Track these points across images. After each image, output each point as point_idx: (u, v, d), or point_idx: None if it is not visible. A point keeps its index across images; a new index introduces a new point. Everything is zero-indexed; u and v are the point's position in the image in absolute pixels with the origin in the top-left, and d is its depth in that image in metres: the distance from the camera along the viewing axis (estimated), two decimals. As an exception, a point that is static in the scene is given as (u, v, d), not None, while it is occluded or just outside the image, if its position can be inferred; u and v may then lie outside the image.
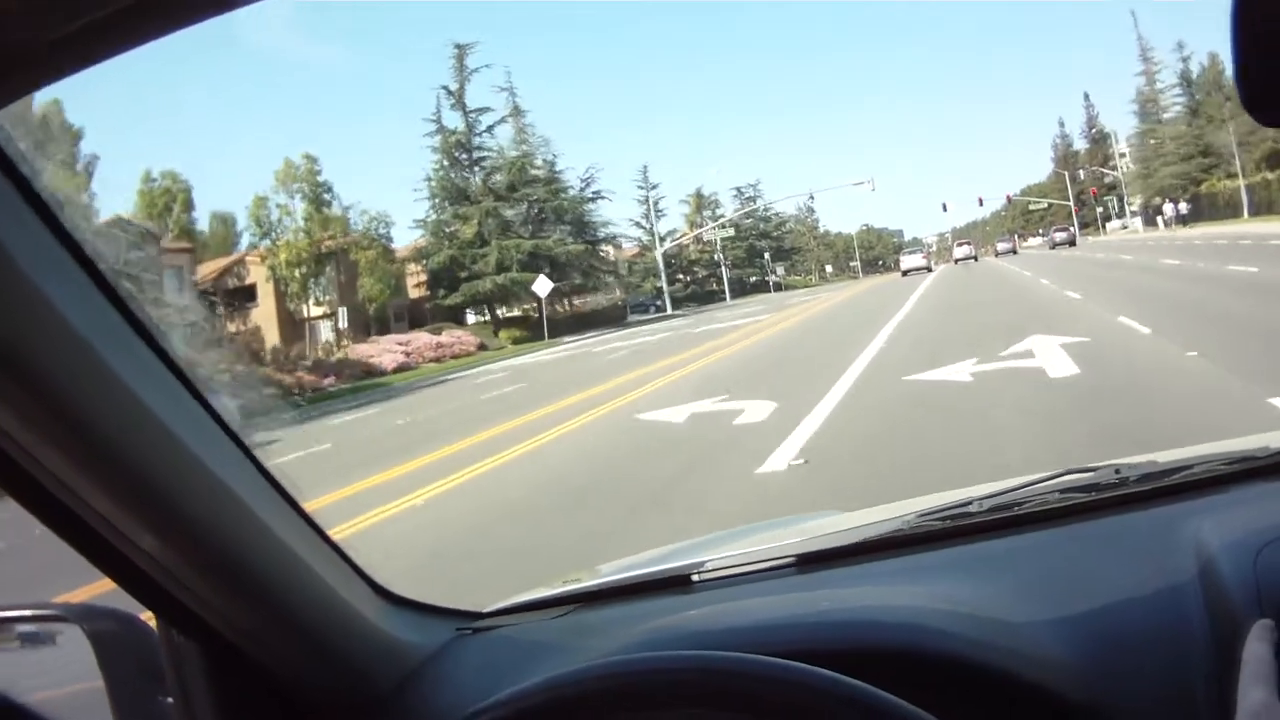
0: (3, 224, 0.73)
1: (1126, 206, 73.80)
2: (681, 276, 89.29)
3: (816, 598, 1.21)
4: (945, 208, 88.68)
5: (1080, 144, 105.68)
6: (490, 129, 50.89)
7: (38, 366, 0.76)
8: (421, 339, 37.42)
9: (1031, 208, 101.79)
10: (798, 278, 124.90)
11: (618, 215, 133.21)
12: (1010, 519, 1.30)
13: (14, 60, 0.69)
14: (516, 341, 40.64)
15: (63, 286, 0.78)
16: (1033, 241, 75.92)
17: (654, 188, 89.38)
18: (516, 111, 51.90)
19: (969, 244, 70.84)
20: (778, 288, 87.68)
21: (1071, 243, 60.31)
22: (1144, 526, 1.21)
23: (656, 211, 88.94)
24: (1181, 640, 0.94)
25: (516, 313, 47.96)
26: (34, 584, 4.21)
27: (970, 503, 1.32)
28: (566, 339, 39.96)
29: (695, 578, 1.36)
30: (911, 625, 1.05)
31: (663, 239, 69.24)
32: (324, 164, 43.68)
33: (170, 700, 1.03)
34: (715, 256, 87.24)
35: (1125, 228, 75.17)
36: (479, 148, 50.20)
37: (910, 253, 68.75)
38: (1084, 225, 78.20)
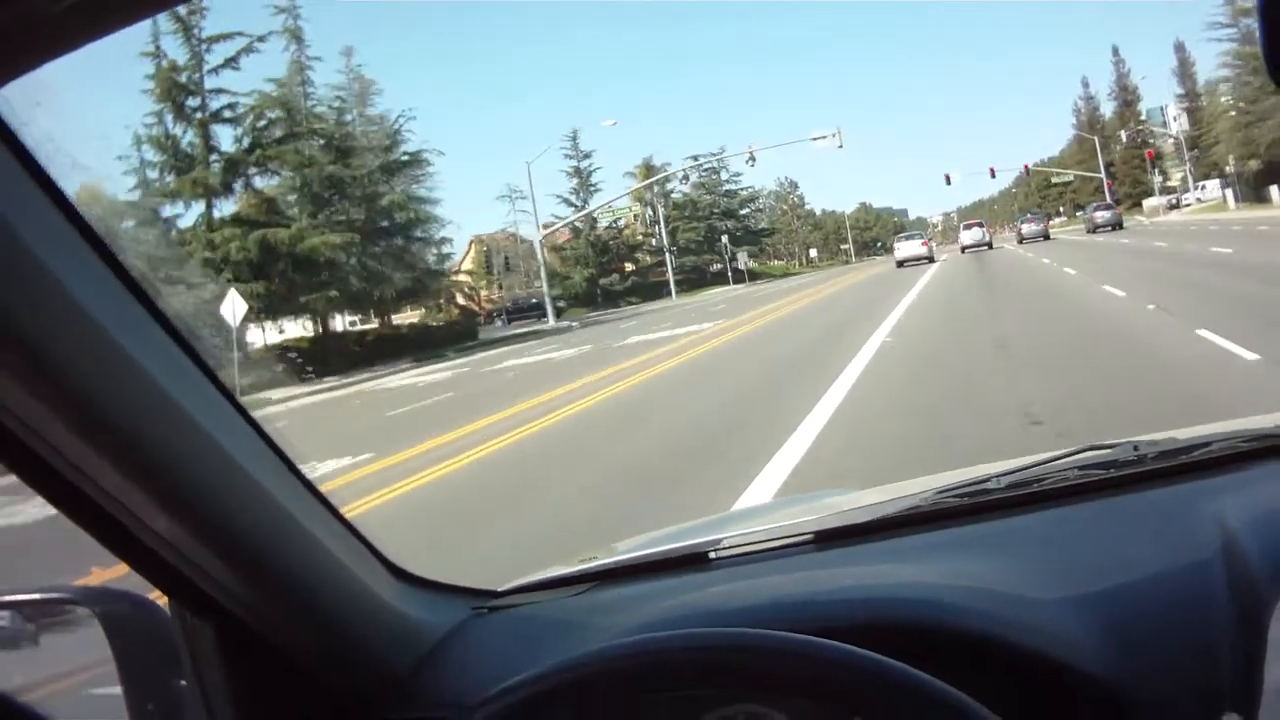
0: (10, 202, 0.77)
1: (1190, 175, 50.38)
2: (626, 265, 64.61)
3: (835, 575, 1.26)
4: (949, 180, 67.68)
5: (1108, 107, 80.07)
6: (233, 60, 33.85)
7: (47, 346, 0.80)
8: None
9: (1055, 180, 77.60)
10: (777, 263, 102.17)
11: (540, 191, 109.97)
12: (1029, 496, 1.34)
13: (18, 32, 0.72)
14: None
15: (74, 268, 0.82)
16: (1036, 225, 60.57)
17: (586, 156, 64.83)
18: (296, 38, 28.09)
19: (980, 225, 54.60)
20: (742, 277, 78.13)
21: (1117, 224, 46.87)
22: (1164, 503, 1.25)
23: (590, 187, 64.87)
24: (1205, 616, 0.98)
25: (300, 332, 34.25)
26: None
27: (989, 479, 1.37)
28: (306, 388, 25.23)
29: (713, 555, 1.41)
30: (931, 602, 1.10)
31: (592, 213, 47.90)
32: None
33: (184, 683, 1.09)
34: (655, 241, 63.66)
35: (1176, 205, 51.84)
36: (220, 90, 33.98)
37: (907, 237, 53.24)
38: (1115, 202, 66.19)
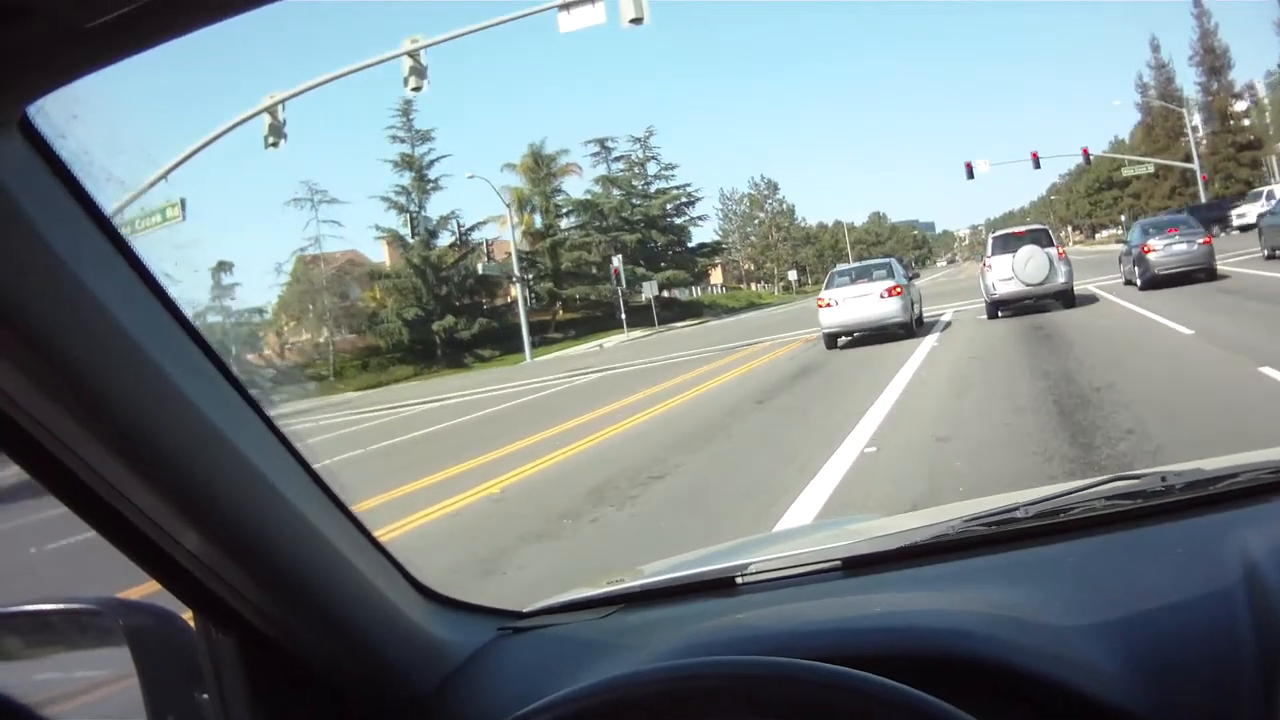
0: (46, 216, 0.83)
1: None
2: (478, 299, 26.71)
3: (862, 602, 1.33)
4: (971, 172, 35.01)
5: (1186, 77, 47.26)
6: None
7: (83, 362, 0.87)
8: None
9: (1126, 173, 39.48)
10: (750, 289, 69.30)
11: (358, 192, 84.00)
12: (1056, 525, 1.40)
13: (49, 48, 0.74)
14: None
15: (107, 282, 0.89)
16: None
17: (424, 139, 29.49)
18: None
19: (1037, 240, 19.48)
20: (649, 318, 50.70)
21: None
22: (1189, 534, 1.34)
23: (428, 184, 25.35)
24: (1227, 649, 1.05)
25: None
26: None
27: (1017, 508, 1.44)
28: None
29: (739, 580, 1.46)
30: (958, 631, 1.16)
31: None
32: None
33: (206, 697, 1.17)
34: (541, 262, 28.23)
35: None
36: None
37: (854, 276, 20.38)
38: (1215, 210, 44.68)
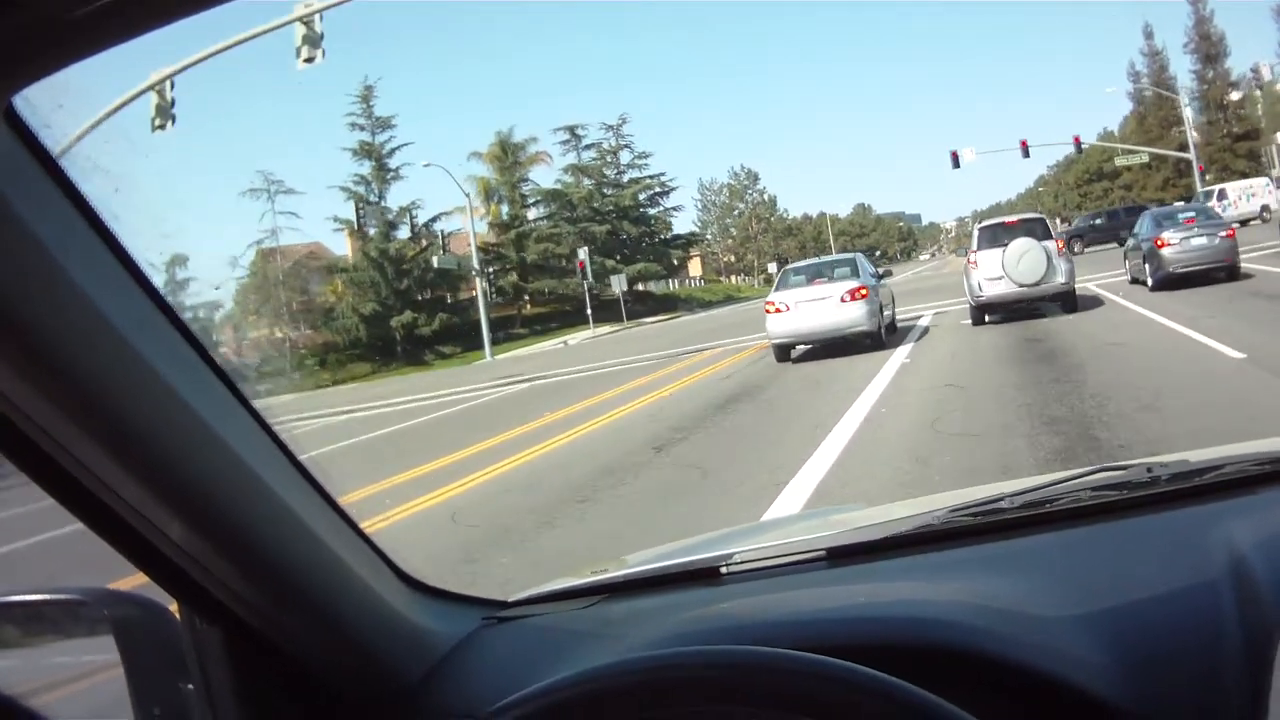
0: (31, 206, 0.84)
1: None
2: (440, 294, 22.01)
3: (847, 592, 1.35)
4: (956, 160, 31.54)
5: (1183, 62, 44.65)
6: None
7: (70, 354, 0.89)
8: None
9: (1120, 163, 35.23)
10: (729, 281, 65.32)
11: (319, 182, 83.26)
12: (1042, 516, 1.41)
13: (35, 38, 0.75)
14: None
15: (94, 274, 0.90)
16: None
17: (384, 127, 25.96)
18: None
19: (1032, 232, 15.88)
20: (616, 313, 47.15)
21: None
22: (1176, 526, 1.36)
23: (388, 173, 21.12)
24: (1213, 640, 1.07)
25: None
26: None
27: (1002, 499, 1.45)
28: None
29: (724, 570, 1.47)
30: (943, 621, 1.18)
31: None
32: None
33: (190, 687, 1.19)
34: (507, 254, 24.08)
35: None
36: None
37: (813, 274, 16.86)
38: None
